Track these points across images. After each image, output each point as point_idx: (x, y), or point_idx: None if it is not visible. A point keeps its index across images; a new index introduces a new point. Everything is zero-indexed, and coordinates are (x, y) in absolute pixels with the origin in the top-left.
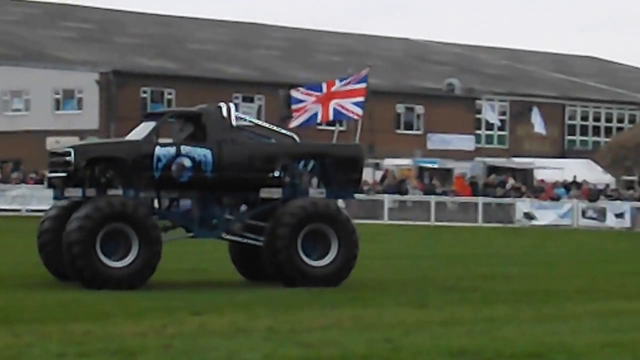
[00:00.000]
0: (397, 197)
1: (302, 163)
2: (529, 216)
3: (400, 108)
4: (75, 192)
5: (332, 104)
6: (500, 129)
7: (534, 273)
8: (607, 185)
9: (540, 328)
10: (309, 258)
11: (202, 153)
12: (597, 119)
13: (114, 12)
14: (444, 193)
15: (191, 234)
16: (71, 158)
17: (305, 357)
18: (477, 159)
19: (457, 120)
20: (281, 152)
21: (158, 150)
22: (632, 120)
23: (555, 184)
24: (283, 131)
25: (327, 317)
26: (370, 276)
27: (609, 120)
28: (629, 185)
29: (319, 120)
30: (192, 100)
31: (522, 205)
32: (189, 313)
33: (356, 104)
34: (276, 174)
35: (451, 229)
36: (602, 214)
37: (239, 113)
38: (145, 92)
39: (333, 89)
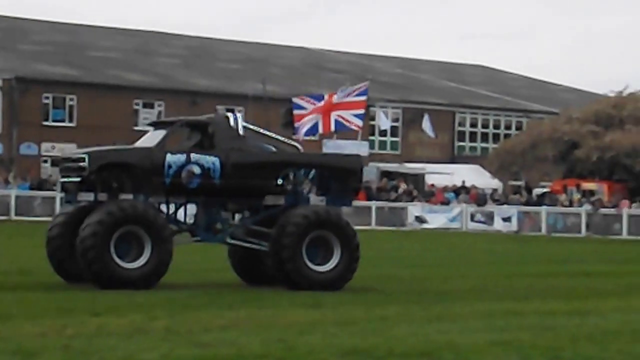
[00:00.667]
0: None
1: (303, 171)
2: (420, 220)
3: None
4: (87, 197)
5: (334, 115)
6: (393, 135)
7: (424, 274)
8: (495, 190)
9: (430, 327)
10: (313, 263)
11: (211, 160)
12: (485, 126)
13: (17, 19)
14: None
15: (197, 238)
16: (85, 163)
17: (202, 357)
18: (371, 164)
19: None
20: (285, 160)
21: (169, 157)
22: (519, 127)
23: (445, 189)
24: (287, 140)
25: (224, 318)
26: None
27: (497, 126)
28: (516, 190)
29: (320, 131)
30: (94, 107)
31: (414, 209)
32: (88, 314)
33: (357, 115)
34: (279, 181)
35: None
36: (490, 218)
37: (246, 122)
38: (47, 98)
39: (334, 100)
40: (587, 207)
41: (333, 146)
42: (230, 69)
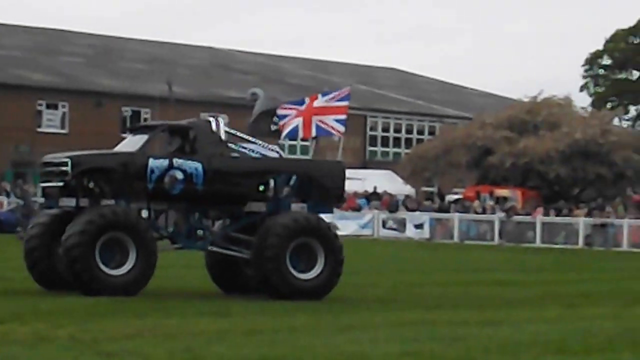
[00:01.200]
0: None
1: (284, 178)
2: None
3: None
4: (69, 202)
5: (315, 119)
6: (302, 138)
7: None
8: (407, 196)
9: (340, 337)
10: (297, 271)
11: (194, 166)
12: (398, 130)
13: None
14: None
15: (178, 246)
16: (68, 168)
17: None
18: None
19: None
20: (267, 167)
21: (152, 162)
22: (432, 132)
23: (356, 195)
24: (269, 146)
25: (130, 326)
26: (175, 285)
27: (409, 131)
28: (428, 197)
29: (301, 136)
30: None
31: (325, 216)
32: None
33: (338, 121)
34: (261, 188)
35: None
36: (402, 225)
37: (227, 127)
38: None
39: (315, 104)
40: (500, 214)
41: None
42: (135, 69)
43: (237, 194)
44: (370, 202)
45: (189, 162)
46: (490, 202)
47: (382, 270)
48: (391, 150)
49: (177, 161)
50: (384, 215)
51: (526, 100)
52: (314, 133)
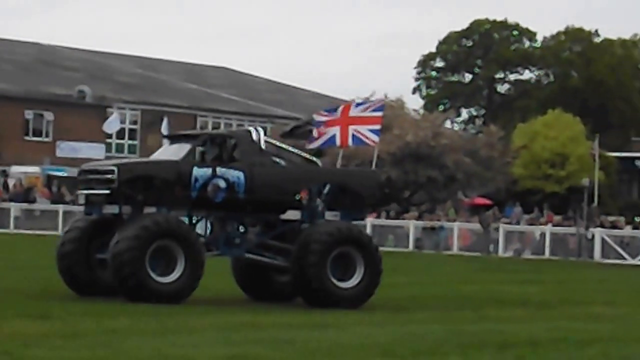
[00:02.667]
0: (25, 205)
1: (318, 186)
2: None
3: (29, 114)
4: (112, 209)
5: (351, 129)
6: (131, 138)
7: None
8: None
9: (163, 340)
10: (336, 279)
11: (236, 175)
12: None
13: None
14: (73, 202)
15: (216, 252)
16: (114, 176)
17: None
18: None
19: (88, 128)
20: (305, 175)
21: (196, 170)
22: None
23: None
24: (307, 156)
25: None
26: None
27: None
28: None
29: (337, 144)
30: None
31: None
32: None
33: (372, 131)
34: (297, 196)
35: None
36: None
37: (267, 137)
38: None
39: (350, 113)
40: None
41: (67, 148)
42: None
43: (276, 202)
44: None
45: (231, 170)
46: None
47: (208, 274)
48: None
49: (220, 170)
50: None
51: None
52: (350, 142)
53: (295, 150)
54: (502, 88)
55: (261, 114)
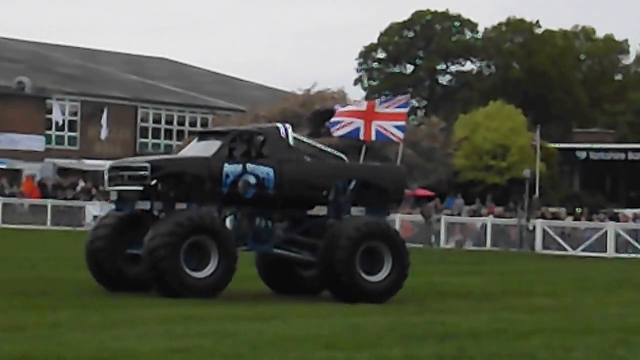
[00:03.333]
0: None
1: (344, 182)
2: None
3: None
4: (144, 205)
5: (374, 124)
6: (72, 130)
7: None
8: None
9: (105, 333)
10: (365, 273)
11: (265, 171)
12: (169, 122)
13: None
14: (13, 195)
15: (245, 248)
16: (147, 172)
17: None
18: (47, 160)
19: (27, 119)
20: (333, 171)
21: (227, 167)
22: (204, 124)
23: None
24: (333, 152)
25: None
26: None
27: (181, 123)
28: None
29: (361, 137)
30: None
31: (92, 208)
32: None
33: (397, 127)
34: (324, 192)
35: (20, 232)
36: None
37: (295, 134)
38: None
39: (375, 109)
40: None
41: (6, 140)
42: None
43: (304, 198)
44: None
45: (261, 167)
46: None
47: None
48: (162, 142)
49: (250, 166)
50: None
51: (300, 93)
52: (373, 137)
53: (322, 146)
54: (444, 79)
55: (203, 105)
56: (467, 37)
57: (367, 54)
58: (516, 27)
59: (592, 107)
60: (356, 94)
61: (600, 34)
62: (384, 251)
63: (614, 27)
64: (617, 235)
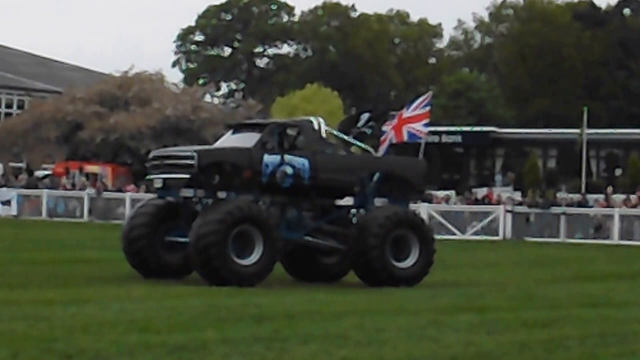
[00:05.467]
0: None
1: (370, 174)
2: None
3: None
4: (188, 193)
5: (405, 128)
6: (396, 143)
7: None
8: None
9: None
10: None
11: (301, 162)
12: None
13: None
14: None
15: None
16: (194, 161)
17: None
18: None
19: None
20: (362, 163)
21: (266, 157)
22: (20, 106)
23: None
24: (361, 144)
25: None
26: None
27: None
28: (17, 173)
29: (394, 141)
30: None
31: None
32: None
33: (424, 125)
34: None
35: None
36: None
37: (327, 127)
38: None
39: (404, 115)
40: (90, 190)
41: None
42: None
43: (336, 188)
44: None
45: (297, 158)
46: (80, 178)
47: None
48: None
49: (287, 157)
50: None
51: (117, 75)
52: (405, 138)
53: (351, 139)
54: (262, 62)
55: (19, 86)
56: (284, 20)
57: (185, 36)
58: (332, 10)
59: (407, 90)
60: (174, 76)
61: (414, 18)
62: (411, 239)
63: (428, 11)
64: (430, 217)
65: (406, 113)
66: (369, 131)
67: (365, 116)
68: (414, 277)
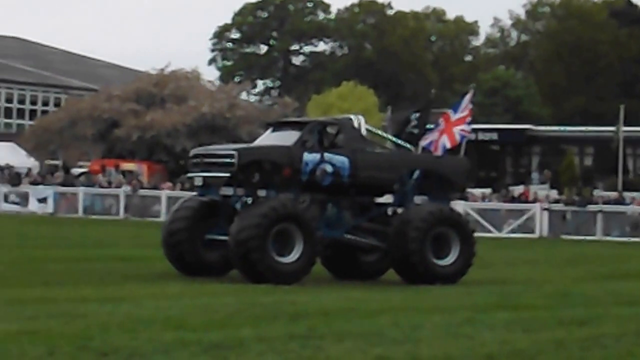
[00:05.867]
0: None
1: (410, 172)
2: None
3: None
4: (227, 191)
5: (457, 130)
6: (451, 148)
7: None
8: (30, 170)
9: None
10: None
11: (341, 160)
12: (22, 102)
13: None
14: None
15: (319, 233)
16: (235, 160)
17: None
18: None
19: None
20: (401, 161)
21: (306, 155)
22: (57, 104)
23: None
24: (400, 142)
25: None
26: None
27: (34, 102)
28: (53, 170)
29: (448, 146)
30: None
31: None
32: None
33: (469, 123)
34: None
35: None
36: (25, 199)
37: (367, 125)
38: None
39: (453, 118)
40: (126, 188)
41: None
42: None
43: (375, 186)
44: None
45: (337, 156)
46: (117, 176)
47: (1, 246)
48: (15, 121)
49: (327, 155)
50: (5, 189)
51: (154, 72)
52: (458, 140)
53: (391, 137)
54: (297, 60)
55: (55, 84)
56: (320, 17)
57: (221, 34)
58: (368, 8)
59: (442, 88)
60: (210, 74)
61: (450, 15)
62: (452, 237)
63: (464, 9)
64: (467, 215)
65: (455, 115)
66: (416, 131)
67: (415, 116)
68: (452, 275)
